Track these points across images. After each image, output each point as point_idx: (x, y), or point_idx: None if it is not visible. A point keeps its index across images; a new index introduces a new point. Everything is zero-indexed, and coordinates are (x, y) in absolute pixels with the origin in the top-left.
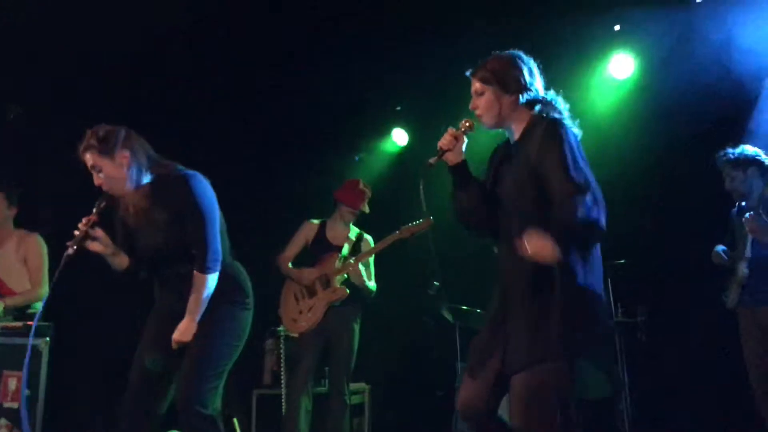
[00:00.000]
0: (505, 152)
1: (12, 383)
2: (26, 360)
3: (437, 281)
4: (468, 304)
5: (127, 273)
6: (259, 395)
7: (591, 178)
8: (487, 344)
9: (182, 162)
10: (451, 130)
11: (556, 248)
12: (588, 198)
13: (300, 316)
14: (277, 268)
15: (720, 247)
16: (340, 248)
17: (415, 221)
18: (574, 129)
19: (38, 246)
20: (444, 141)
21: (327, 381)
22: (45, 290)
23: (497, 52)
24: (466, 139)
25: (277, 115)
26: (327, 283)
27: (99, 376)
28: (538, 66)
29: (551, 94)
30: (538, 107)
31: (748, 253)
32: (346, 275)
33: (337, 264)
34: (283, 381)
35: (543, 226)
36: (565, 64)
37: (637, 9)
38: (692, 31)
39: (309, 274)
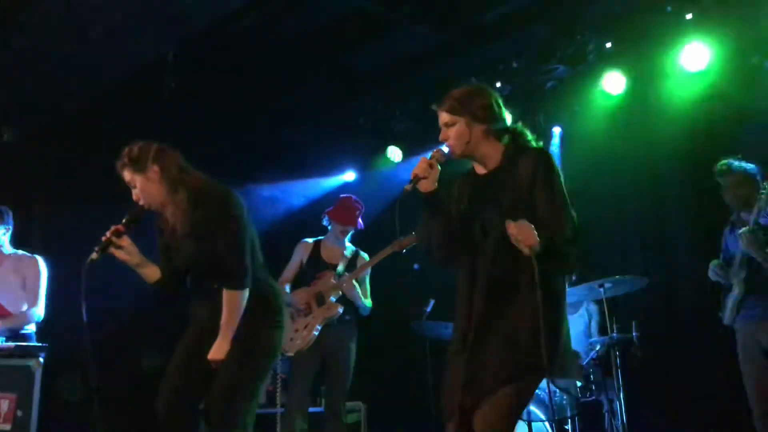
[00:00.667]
0: (476, 182)
1: (4, 404)
2: None
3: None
4: None
5: (158, 286)
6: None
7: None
8: (453, 375)
9: None
10: (424, 158)
11: (537, 240)
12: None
13: (296, 334)
14: None
15: (716, 262)
16: (335, 266)
17: (407, 234)
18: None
19: (38, 268)
20: (419, 169)
21: (323, 400)
22: (40, 311)
23: (463, 84)
24: (439, 168)
25: (272, 131)
26: (322, 300)
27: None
28: (502, 97)
29: (520, 126)
30: (507, 137)
31: (744, 269)
32: (340, 292)
33: (333, 281)
34: (278, 400)
35: (514, 256)
36: (559, 83)
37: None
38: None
39: (299, 298)
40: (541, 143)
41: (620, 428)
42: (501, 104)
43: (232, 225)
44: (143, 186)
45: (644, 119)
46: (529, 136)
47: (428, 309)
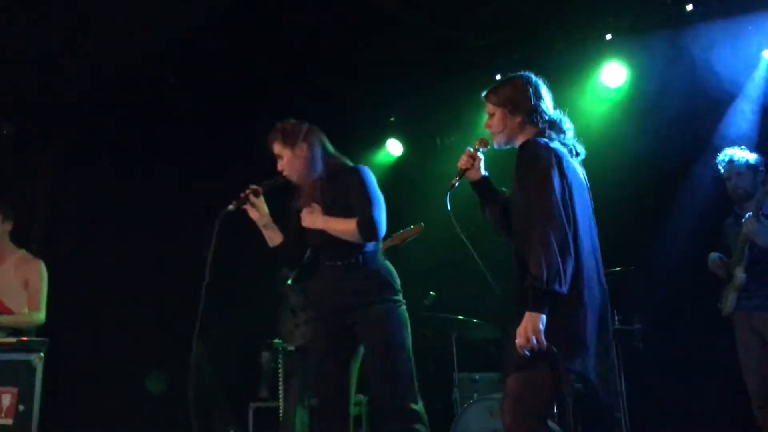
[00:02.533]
0: None
1: (6, 399)
2: None
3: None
4: (465, 314)
5: (278, 250)
6: (256, 408)
7: (559, 211)
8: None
9: (174, 172)
10: (467, 150)
11: (532, 332)
12: (551, 261)
13: (297, 329)
14: (275, 286)
15: (715, 255)
16: None
17: (406, 228)
18: (575, 148)
19: (40, 272)
20: (462, 162)
21: None
22: (42, 315)
23: (509, 74)
24: (482, 157)
25: (271, 126)
26: None
27: (94, 391)
28: (546, 85)
29: (557, 114)
30: (545, 127)
31: (745, 258)
32: None
33: None
34: (280, 393)
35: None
36: (558, 74)
37: (628, 18)
38: (680, 48)
39: (301, 291)
40: (568, 132)
41: (622, 419)
42: (543, 94)
43: (370, 194)
44: (290, 159)
45: (645, 110)
46: (564, 124)
47: (428, 302)
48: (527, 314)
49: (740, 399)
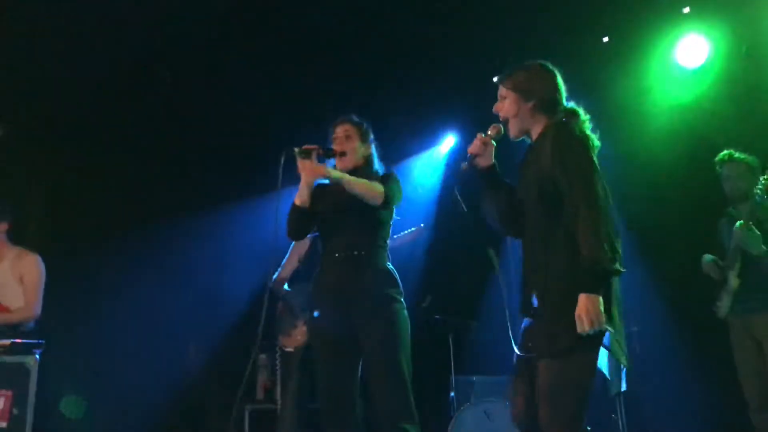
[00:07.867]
0: (525, 157)
1: (0, 402)
2: None
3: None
4: (462, 316)
5: (298, 209)
6: (252, 410)
7: (600, 187)
8: (520, 345)
9: (172, 171)
10: (479, 135)
11: (595, 315)
12: (605, 237)
13: (296, 330)
14: (273, 292)
15: (709, 257)
16: None
17: (408, 230)
18: (593, 137)
19: (36, 265)
20: (474, 147)
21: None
22: (38, 309)
23: (525, 61)
24: (494, 144)
25: (269, 127)
26: None
27: (89, 395)
28: (563, 76)
29: (572, 104)
30: (558, 116)
31: (738, 262)
32: None
33: None
34: (278, 396)
35: (546, 228)
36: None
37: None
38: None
39: (300, 294)
40: (588, 125)
41: (619, 422)
42: (557, 84)
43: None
44: (354, 152)
45: (642, 114)
46: (581, 114)
47: (425, 304)
48: (585, 296)
49: (737, 402)
